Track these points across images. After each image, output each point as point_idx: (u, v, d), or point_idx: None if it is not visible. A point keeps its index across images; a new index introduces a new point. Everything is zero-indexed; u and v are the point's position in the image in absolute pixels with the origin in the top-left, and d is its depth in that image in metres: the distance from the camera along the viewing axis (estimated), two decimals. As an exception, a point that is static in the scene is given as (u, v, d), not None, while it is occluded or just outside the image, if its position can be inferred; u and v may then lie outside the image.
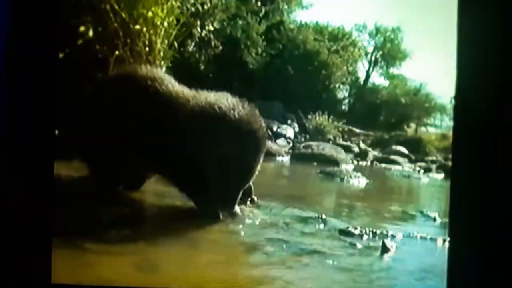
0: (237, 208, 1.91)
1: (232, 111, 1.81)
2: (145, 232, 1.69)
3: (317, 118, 4.99)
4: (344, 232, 1.85)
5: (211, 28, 3.82)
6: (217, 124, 1.80)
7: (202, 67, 4.10)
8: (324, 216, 2.02)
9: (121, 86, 2.03)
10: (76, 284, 1.30)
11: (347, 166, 3.89)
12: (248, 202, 2.09)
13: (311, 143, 4.29)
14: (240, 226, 1.85)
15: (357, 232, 1.85)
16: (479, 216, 1.39)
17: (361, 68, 5.69)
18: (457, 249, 1.40)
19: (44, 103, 1.34)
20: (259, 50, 4.65)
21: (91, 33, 2.80)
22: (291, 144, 4.63)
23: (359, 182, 3.16)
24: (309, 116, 5.00)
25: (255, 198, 2.13)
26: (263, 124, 1.90)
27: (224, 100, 1.87)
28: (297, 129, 4.97)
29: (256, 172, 1.89)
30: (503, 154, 1.40)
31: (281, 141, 4.60)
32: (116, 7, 2.92)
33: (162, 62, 3.11)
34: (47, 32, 1.34)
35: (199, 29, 3.69)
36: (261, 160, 1.88)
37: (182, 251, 1.56)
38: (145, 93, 1.95)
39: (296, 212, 2.08)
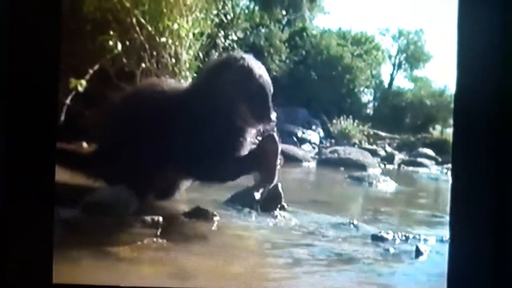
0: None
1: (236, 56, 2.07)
2: (177, 240, 1.72)
3: (342, 122, 4.96)
4: (377, 237, 1.85)
5: (235, 37, 3.86)
6: (228, 66, 2.03)
7: (226, 75, 4.13)
8: (355, 222, 2.02)
9: (141, 98, 2.13)
10: (77, 284, 1.33)
11: (375, 170, 3.86)
12: (278, 209, 2.11)
13: (337, 147, 4.26)
14: (272, 232, 1.87)
15: (389, 237, 1.85)
16: (480, 216, 1.38)
17: (385, 71, 5.64)
18: (457, 250, 1.38)
19: (45, 104, 1.35)
20: (283, 57, 4.66)
21: (119, 47, 2.86)
22: (316, 149, 4.62)
23: (388, 186, 3.14)
24: (334, 121, 4.98)
25: (285, 205, 2.14)
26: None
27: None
28: (322, 134, 4.95)
29: None
30: (504, 153, 1.38)
31: (306, 146, 4.59)
32: (142, 20, 2.98)
33: (188, 73, 3.15)
34: (48, 31, 1.36)
35: (222, 39, 3.73)
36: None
37: (212, 259, 1.58)
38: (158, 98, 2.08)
39: (327, 218, 2.09)
